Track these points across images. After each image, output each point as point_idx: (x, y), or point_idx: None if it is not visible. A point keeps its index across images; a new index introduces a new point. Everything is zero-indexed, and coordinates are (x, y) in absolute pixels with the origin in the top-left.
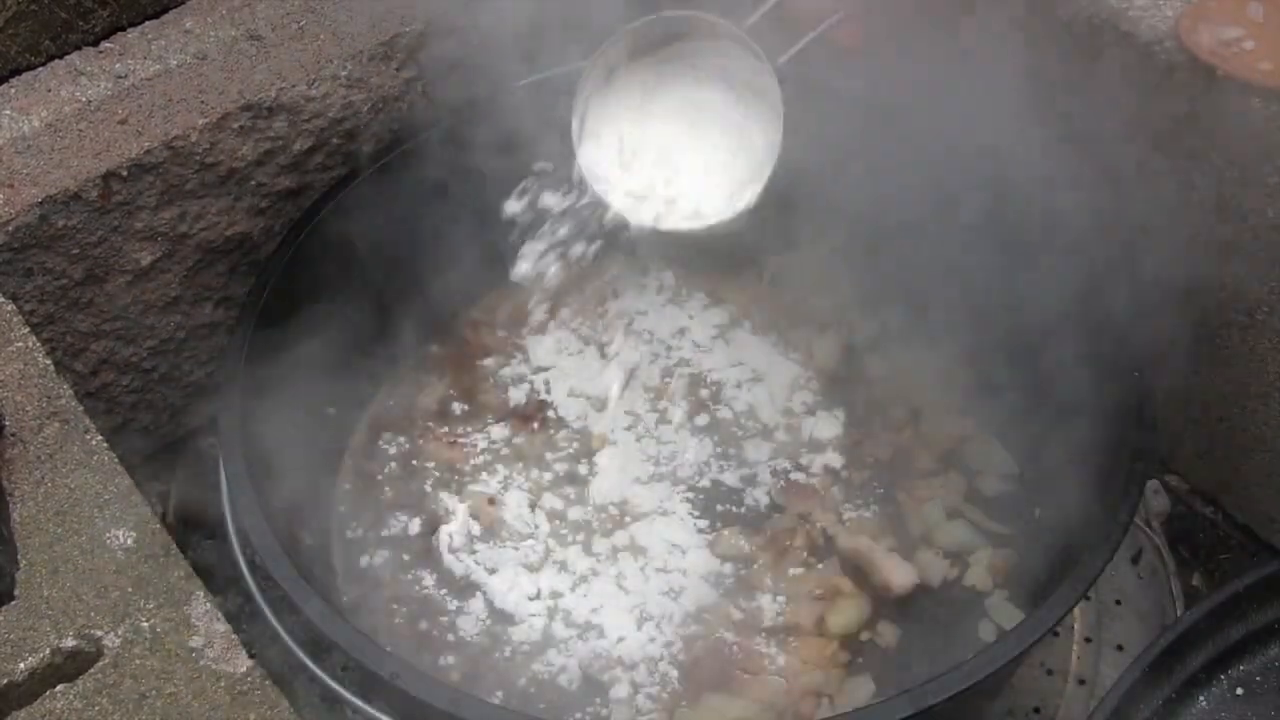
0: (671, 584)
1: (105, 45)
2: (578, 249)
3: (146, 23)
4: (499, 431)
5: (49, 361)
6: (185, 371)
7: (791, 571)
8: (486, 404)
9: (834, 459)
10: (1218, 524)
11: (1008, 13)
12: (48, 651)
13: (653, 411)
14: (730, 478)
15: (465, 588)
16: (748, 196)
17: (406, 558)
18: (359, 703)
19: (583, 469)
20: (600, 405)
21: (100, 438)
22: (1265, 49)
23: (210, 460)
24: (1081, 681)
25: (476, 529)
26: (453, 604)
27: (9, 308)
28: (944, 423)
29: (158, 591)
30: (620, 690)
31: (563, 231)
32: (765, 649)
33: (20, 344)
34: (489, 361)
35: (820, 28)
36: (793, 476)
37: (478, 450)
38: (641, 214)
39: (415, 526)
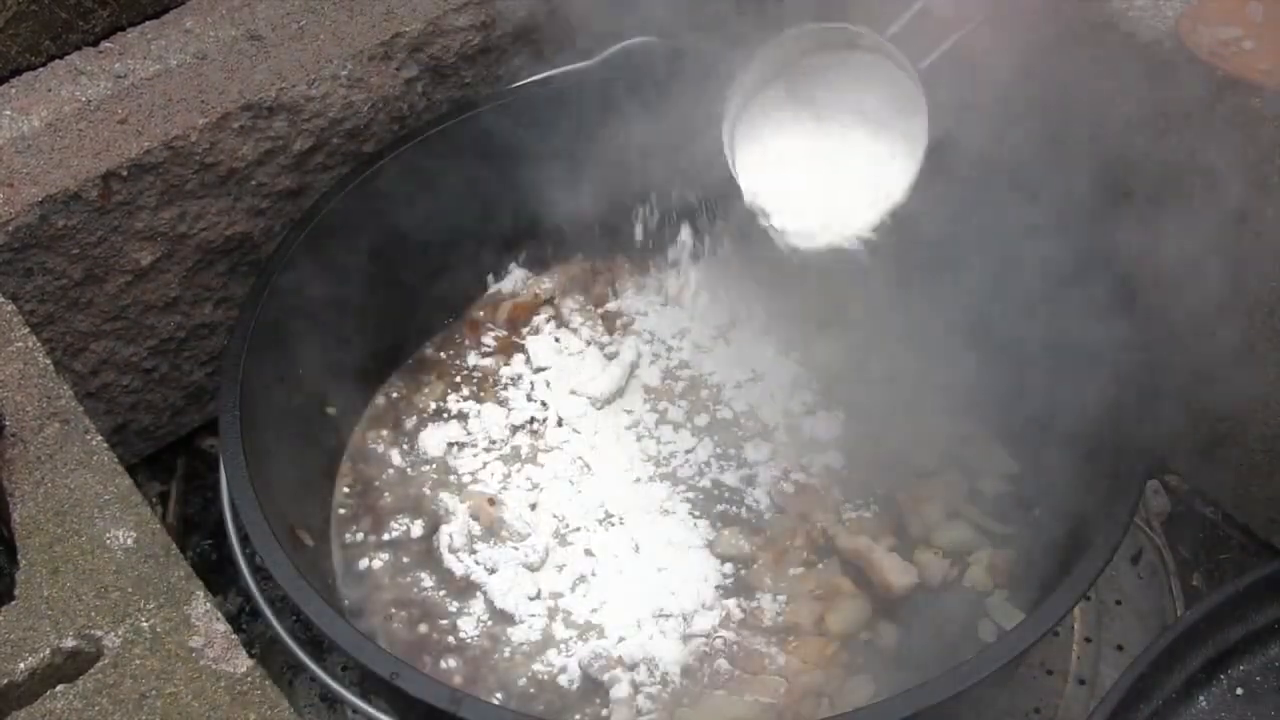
0: (671, 584)
1: (105, 45)
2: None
3: (146, 23)
4: (499, 431)
5: (49, 361)
6: (185, 371)
7: (791, 571)
8: (487, 404)
9: (834, 459)
10: (1218, 524)
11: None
12: (48, 651)
13: (653, 411)
14: (730, 478)
15: (465, 588)
16: (891, 204)
17: (406, 560)
18: (359, 703)
19: (583, 469)
20: (600, 405)
21: (100, 438)
22: (1265, 49)
23: (210, 460)
24: (1081, 681)
25: (476, 529)
26: (453, 605)
27: (9, 308)
28: (944, 423)
29: (158, 591)
30: (620, 690)
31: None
32: (765, 649)
33: (20, 344)
34: (489, 361)
35: (955, 36)
36: (793, 476)
37: (478, 450)
38: (800, 231)
39: (417, 529)
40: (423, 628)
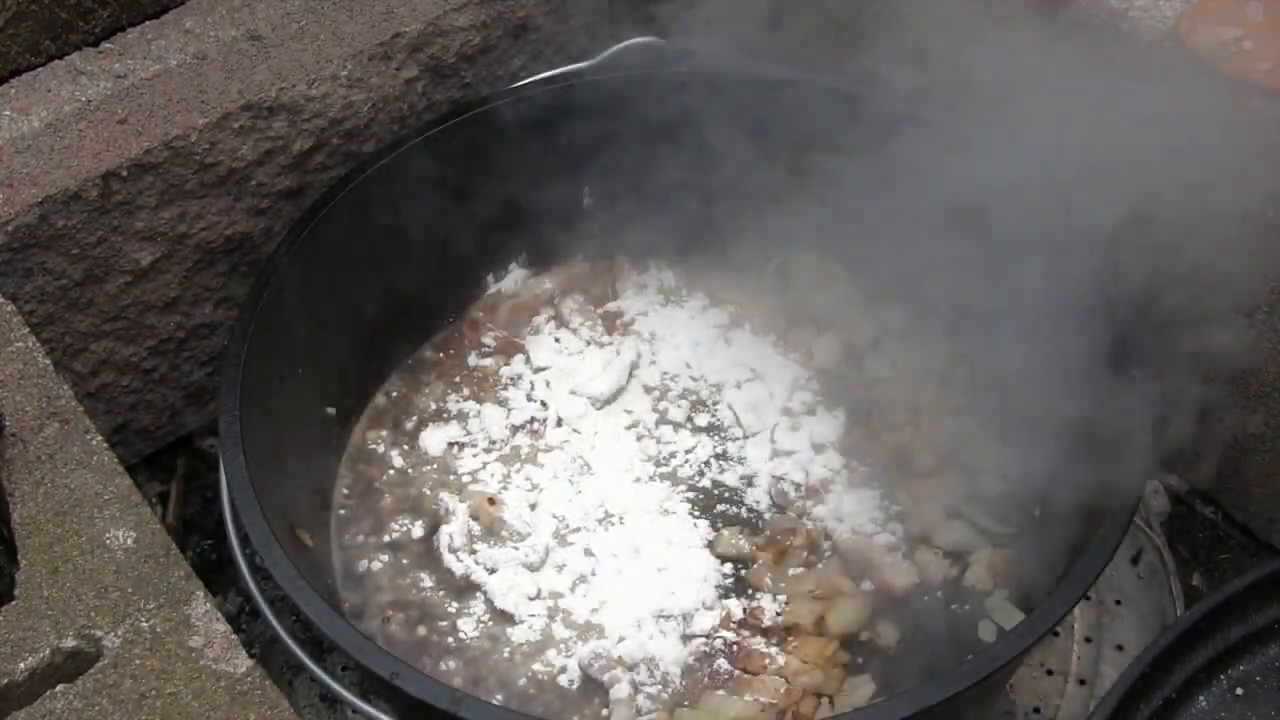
0: (671, 584)
1: (105, 45)
2: None
3: (146, 23)
4: (499, 431)
5: (49, 361)
6: (185, 371)
7: (791, 571)
8: (487, 404)
9: (834, 459)
10: (1218, 524)
11: None
12: (48, 651)
13: (653, 411)
14: (730, 478)
15: (465, 588)
16: None
17: (406, 561)
18: (359, 703)
19: (583, 469)
20: (600, 405)
21: (100, 438)
22: (1264, 49)
23: (210, 460)
24: (1081, 681)
25: (476, 529)
26: (452, 606)
27: (9, 308)
28: (944, 423)
29: (158, 591)
30: (620, 690)
31: None
32: (765, 649)
33: (20, 344)
34: (489, 361)
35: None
36: (793, 476)
37: (478, 450)
38: None
39: (418, 530)
40: (422, 629)
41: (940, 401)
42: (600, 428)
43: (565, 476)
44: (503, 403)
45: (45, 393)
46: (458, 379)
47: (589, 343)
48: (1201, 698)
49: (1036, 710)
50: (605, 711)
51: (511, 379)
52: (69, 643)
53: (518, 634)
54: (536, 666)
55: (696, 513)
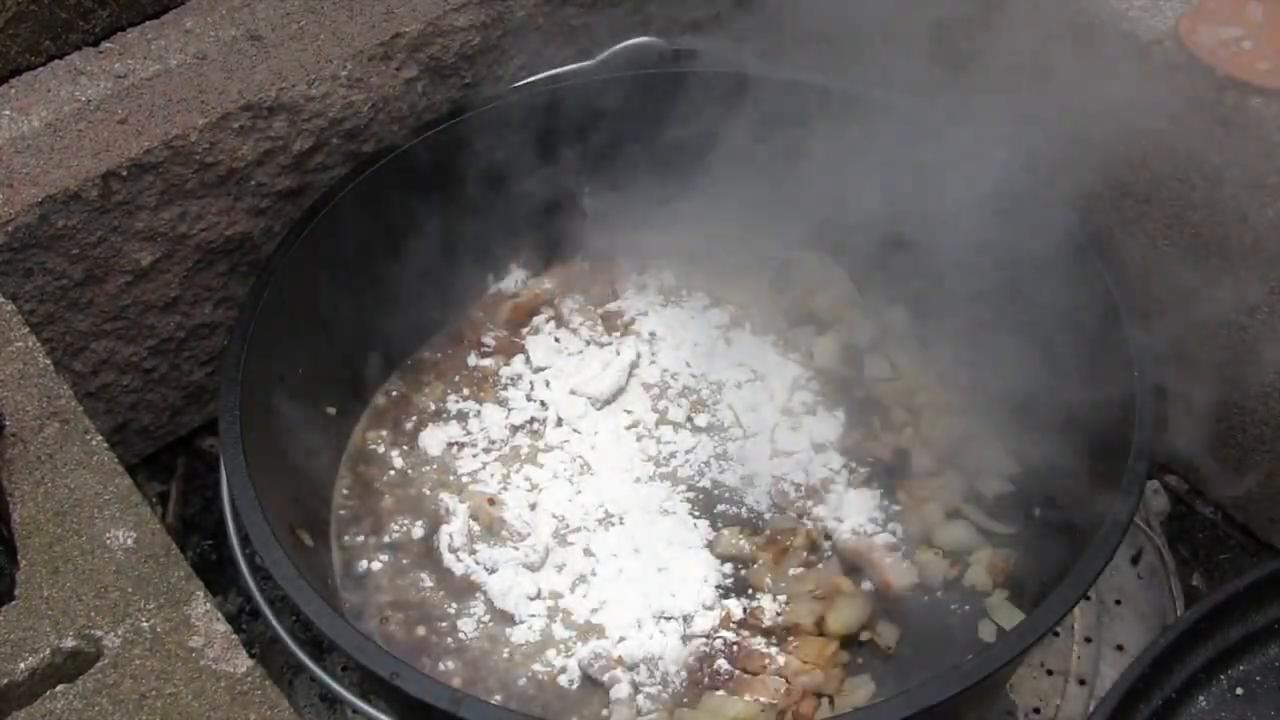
0: (671, 584)
1: (105, 45)
2: None
3: (146, 23)
4: (499, 431)
5: (49, 361)
6: (185, 371)
7: (791, 571)
8: (486, 404)
9: (834, 459)
10: (1218, 524)
11: None
12: (48, 651)
13: (653, 411)
14: (730, 478)
15: (465, 588)
16: None
17: (405, 561)
18: (359, 703)
19: (582, 469)
20: (600, 405)
21: (100, 438)
22: (1264, 49)
23: (210, 460)
24: (1081, 681)
25: (476, 529)
26: (452, 606)
27: (9, 308)
28: (944, 423)
29: (158, 591)
30: (620, 690)
31: None
32: (765, 649)
33: (20, 344)
34: (489, 361)
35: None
36: (793, 477)
37: (478, 450)
38: None
39: (418, 530)
40: (422, 629)
41: (940, 401)
42: (600, 428)
43: (565, 476)
44: (502, 403)
45: (45, 393)
46: (457, 379)
47: (589, 343)
48: (1201, 698)
49: (1036, 710)
50: (605, 711)
51: (511, 379)
52: (69, 643)
53: (518, 634)
54: (536, 666)
55: (696, 513)
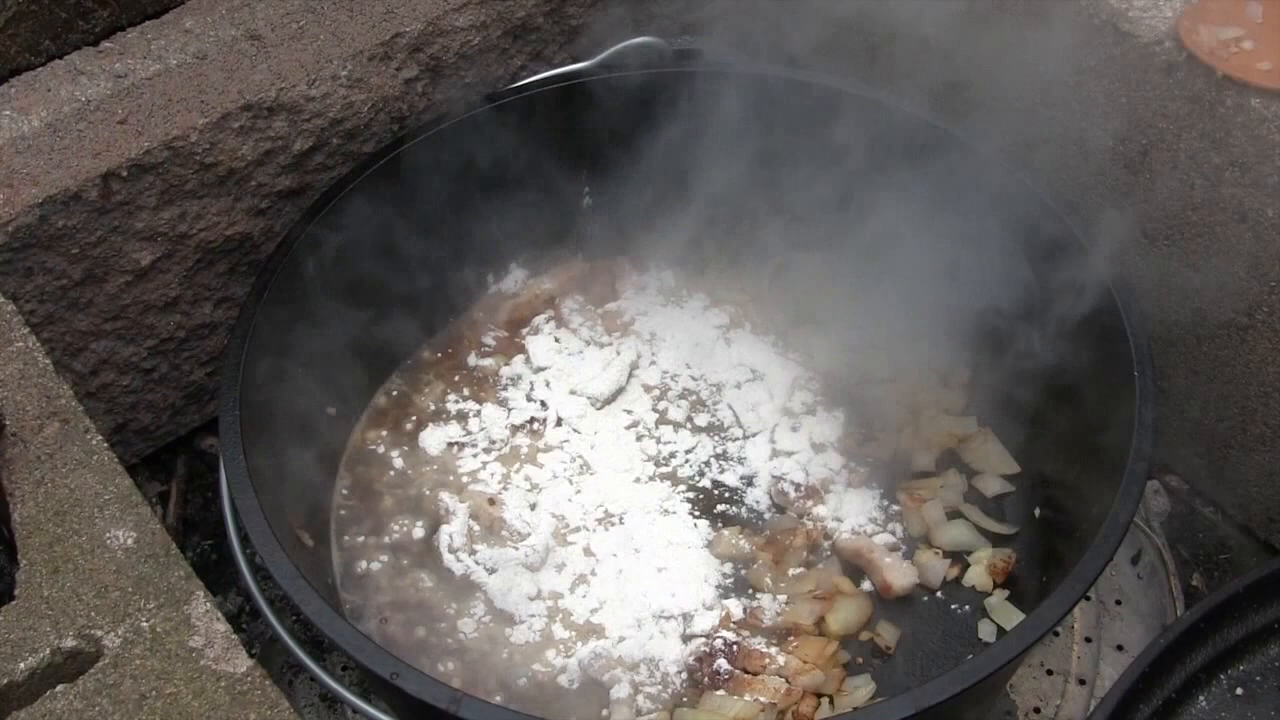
0: (671, 584)
1: (105, 45)
2: None
3: (146, 23)
4: (499, 431)
5: (49, 361)
6: (185, 371)
7: (791, 571)
8: (486, 404)
9: (834, 459)
10: (1218, 524)
11: None
12: (48, 651)
13: (653, 411)
14: (730, 478)
15: (465, 588)
16: None
17: (405, 561)
18: (359, 703)
19: (582, 469)
20: (600, 405)
21: (100, 438)
22: (1264, 49)
23: (210, 460)
24: (1081, 681)
25: (476, 529)
26: (452, 607)
27: (9, 308)
28: (944, 423)
29: (158, 591)
30: (620, 690)
31: None
32: (765, 649)
33: (20, 344)
34: (489, 361)
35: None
36: (792, 476)
37: (478, 450)
38: None
39: (418, 530)
40: (422, 629)
41: (940, 401)
42: (600, 428)
43: (565, 476)
44: (502, 403)
45: (45, 393)
46: (457, 379)
47: (589, 343)
48: (1201, 698)
49: (1036, 710)
50: (605, 711)
51: (511, 379)
52: (69, 643)
53: (518, 634)
54: (536, 666)
55: (696, 513)
